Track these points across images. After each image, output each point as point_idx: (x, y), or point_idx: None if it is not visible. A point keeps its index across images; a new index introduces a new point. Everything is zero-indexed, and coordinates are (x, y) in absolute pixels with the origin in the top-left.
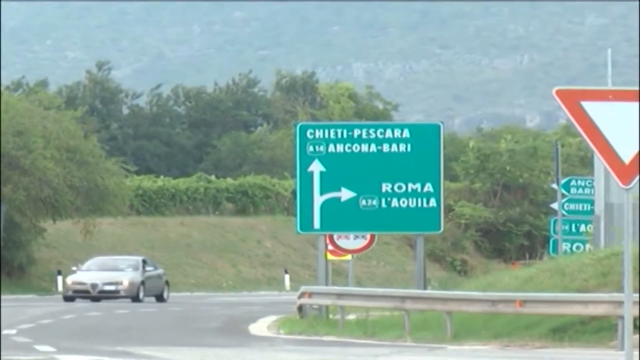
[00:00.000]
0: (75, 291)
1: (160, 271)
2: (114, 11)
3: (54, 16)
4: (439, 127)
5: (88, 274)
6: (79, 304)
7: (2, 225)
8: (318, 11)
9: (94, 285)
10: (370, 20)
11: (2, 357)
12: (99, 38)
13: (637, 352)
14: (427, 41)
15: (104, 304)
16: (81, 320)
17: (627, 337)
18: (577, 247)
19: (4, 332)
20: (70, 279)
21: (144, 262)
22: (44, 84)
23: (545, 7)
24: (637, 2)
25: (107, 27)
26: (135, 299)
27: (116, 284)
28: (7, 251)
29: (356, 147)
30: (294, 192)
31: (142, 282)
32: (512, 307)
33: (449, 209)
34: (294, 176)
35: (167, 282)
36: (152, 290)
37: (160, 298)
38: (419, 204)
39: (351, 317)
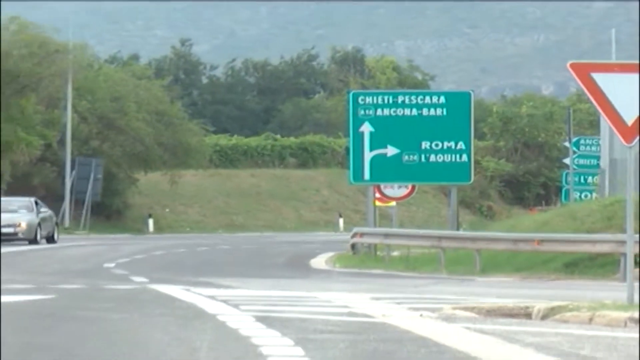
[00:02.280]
0: None
1: (50, 212)
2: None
3: (135, 5)
4: (470, 94)
5: None
6: (170, 240)
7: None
8: None
9: None
10: (410, 4)
11: (104, 287)
12: (181, 19)
13: (637, 284)
14: (459, 22)
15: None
16: (169, 256)
17: (628, 271)
18: (585, 196)
19: (105, 265)
20: None
21: (36, 203)
22: (135, 57)
23: None
24: None
25: (187, 10)
26: (33, 241)
27: (14, 225)
28: (106, 198)
29: (400, 111)
30: (347, 149)
31: (39, 224)
32: (531, 246)
33: (477, 164)
34: (347, 135)
35: (56, 224)
36: (45, 231)
37: (50, 240)
38: (453, 159)
39: (395, 253)
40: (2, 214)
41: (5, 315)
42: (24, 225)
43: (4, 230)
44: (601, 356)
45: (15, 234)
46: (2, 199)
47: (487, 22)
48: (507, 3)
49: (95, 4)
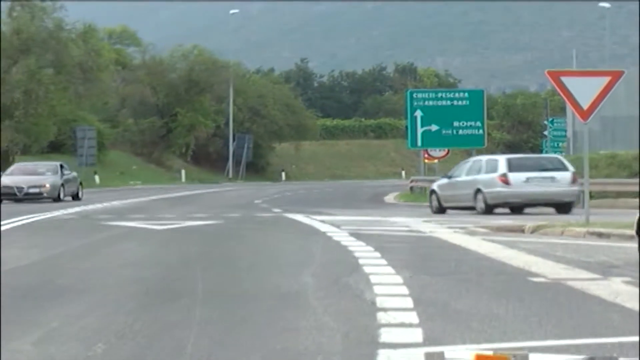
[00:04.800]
0: (3, 194)
1: (74, 174)
2: (308, 31)
3: (272, 34)
4: (483, 91)
5: (13, 178)
6: (295, 185)
7: (248, 147)
8: (417, 31)
9: (19, 189)
10: (447, 32)
11: (254, 215)
12: (300, 45)
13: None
14: (476, 45)
15: None
16: (295, 196)
17: (586, 202)
18: (557, 154)
19: (255, 201)
20: None
21: (61, 166)
22: (272, 70)
23: (539, 27)
24: (589, 23)
25: (304, 39)
26: (57, 199)
27: (40, 186)
28: (254, 159)
29: (439, 102)
30: (406, 127)
31: (62, 185)
32: None
33: (488, 135)
34: (406, 118)
35: (81, 183)
36: (69, 190)
37: (75, 197)
38: (473, 132)
39: None
40: (30, 177)
41: (193, 233)
42: (48, 186)
43: (31, 190)
44: (569, 256)
45: (41, 193)
46: (33, 163)
47: (494, 45)
48: (508, 34)
49: (246, 35)
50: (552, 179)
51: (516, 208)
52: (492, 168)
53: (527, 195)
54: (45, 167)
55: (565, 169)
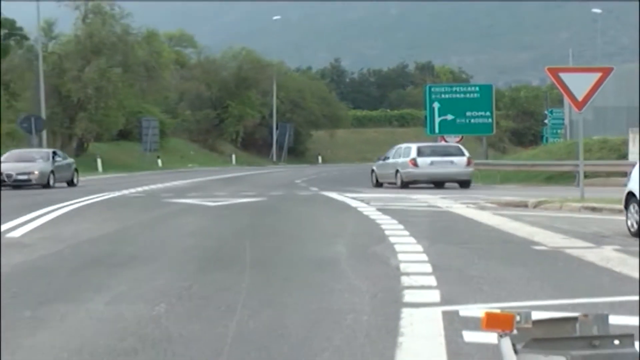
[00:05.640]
0: None
1: (69, 160)
2: (341, 34)
3: (310, 37)
4: (492, 86)
5: (5, 165)
6: (330, 167)
7: (291, 134)
8: (435, 33)
9: (8, 175)
10: (460, 34)
11: (295, 193)
12: (334, 47)
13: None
14: (486, 46)
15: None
16: (329, 176)
17: (580, 180)
18: (556, 140)
19: (295, 181)
20: None
21: (54, 153)
22: (309, 68)
23: (541, 29)
24: (583, 26)
25: (338, 41)
26: (46, 185)
27: (28, 173)
28: (295, 145)
29: (454, 95)
30: (425, 117)
31: (52, 171)
32: (527, 168)
33: (496, 123)
34: (425, 109)
35: (76, 170)
36: (63, 177)
37: (70, 183)
38: (483, 121)
39: None
40: (20, 164)
41: (242, 208)
42: (36, 173)
43: (19, 177)
44: (566, 227)
45: (29, 180)
46: (27, 150)
47: (501, 45)
48: (514, 35)
49: (287, 38)
50: (452, 162)
51: (437, 183)
52: (407, 153)
53: (432, 175)
54: (39, 154)
55: (462, 154)
